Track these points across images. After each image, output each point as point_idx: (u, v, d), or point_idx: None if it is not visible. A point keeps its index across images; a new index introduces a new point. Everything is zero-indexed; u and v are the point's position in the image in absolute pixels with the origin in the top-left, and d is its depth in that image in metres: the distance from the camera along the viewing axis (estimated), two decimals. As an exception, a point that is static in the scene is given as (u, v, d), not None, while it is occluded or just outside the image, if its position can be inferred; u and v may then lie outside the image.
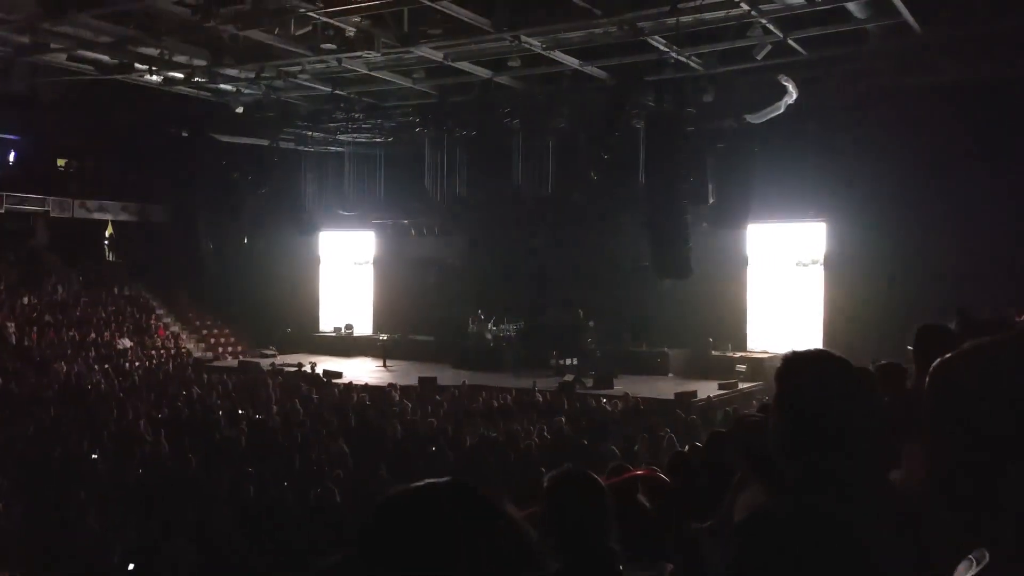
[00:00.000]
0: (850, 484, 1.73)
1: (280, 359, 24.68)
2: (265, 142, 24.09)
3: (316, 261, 29.26)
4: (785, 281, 22.33)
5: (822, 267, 21.76)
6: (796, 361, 1.88)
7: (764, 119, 18.35)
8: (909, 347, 3.80)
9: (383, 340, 25.66)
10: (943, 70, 17.12)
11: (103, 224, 28.83)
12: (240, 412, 14.00)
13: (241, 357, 25.59)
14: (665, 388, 18.92)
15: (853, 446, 1.76)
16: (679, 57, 17.22)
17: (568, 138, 21.65)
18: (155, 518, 7.73)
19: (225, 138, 23.99)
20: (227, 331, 28.35)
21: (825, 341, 20.76)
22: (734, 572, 1.71)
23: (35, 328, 24.03)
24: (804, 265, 22.11)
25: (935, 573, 1.52)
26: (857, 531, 1.65)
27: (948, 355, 1.56)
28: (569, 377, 20.14)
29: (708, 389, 18.74)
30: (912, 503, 1.70)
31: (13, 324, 23.89)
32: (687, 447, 9.96)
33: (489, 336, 23.64)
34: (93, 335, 24.67)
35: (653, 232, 20.05)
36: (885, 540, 1.64)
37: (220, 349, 27.19)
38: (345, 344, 27.20)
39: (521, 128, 21.47)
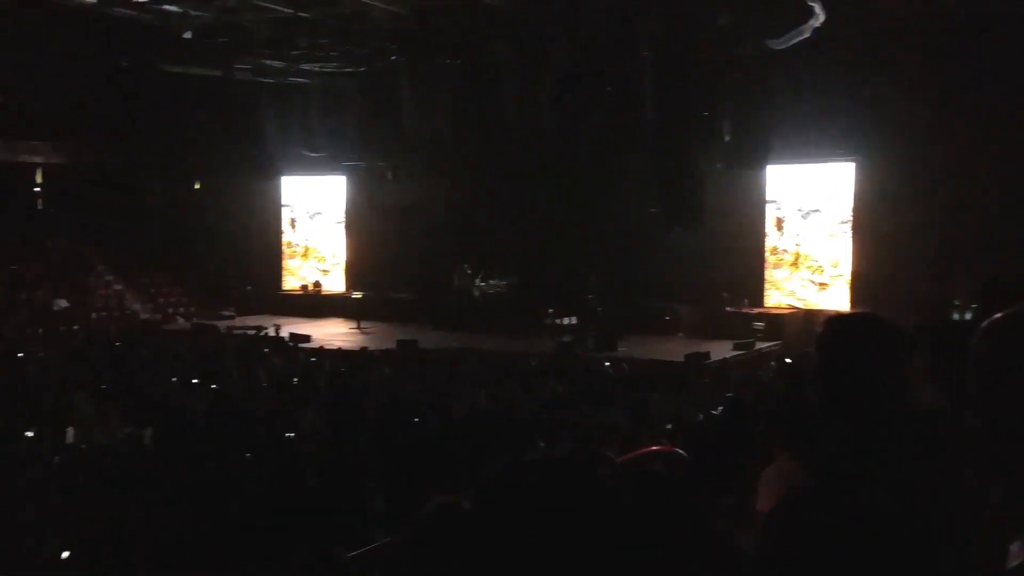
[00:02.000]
0: (891, 462, 1.82)
1: (239, 321, 24.72)
2: (217, 73, 23.76)
3: (279, 209, 29.26)
4: (808, 228, 22.51)
5: (851, 212, 21.83)
6: (838, 326, 2.00)
7: (787, 45, 18.26)
8: (956, 302, 3.85)
9: (357, 298, 25.70)
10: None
11: (32, 167, 28.61)
12: (195, 382, 13.99)
13: (195, 319, 25.56)
14: (675, 350, 19.11)
15: (898, 417, 1.86)
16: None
17: (568, 69, 21.44)
18: (101, 503, 7.75)
19: (171, 68, 23.75)
20: (178, 290, 28.26)
21: (853, 297, 20.99)
22: (768, 559, 1.77)
23: (-44, 288, 24.00)
24: (828, 210, 22.19)
25: (987, 554, 1.57)
26: (897, 518, 1.73)
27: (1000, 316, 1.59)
28: (568, 338, 20.26)
29: (722, 350, 18.96)
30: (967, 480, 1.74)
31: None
32: (701, 416, 10.14)
33: (477, 292, 23.74)
34: (24, 295, 24.57)
35: (661, 174, 20.14)
36: (925, 525, 1.70)
37: (170, 310, 27.11)
38: (313, 304, 27.26)
39: (513, 57, 21.28)
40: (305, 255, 29.21)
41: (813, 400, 2.00)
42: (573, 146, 22.57)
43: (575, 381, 14.33)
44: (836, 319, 2.02)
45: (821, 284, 22.33)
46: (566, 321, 21.73)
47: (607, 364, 16.63)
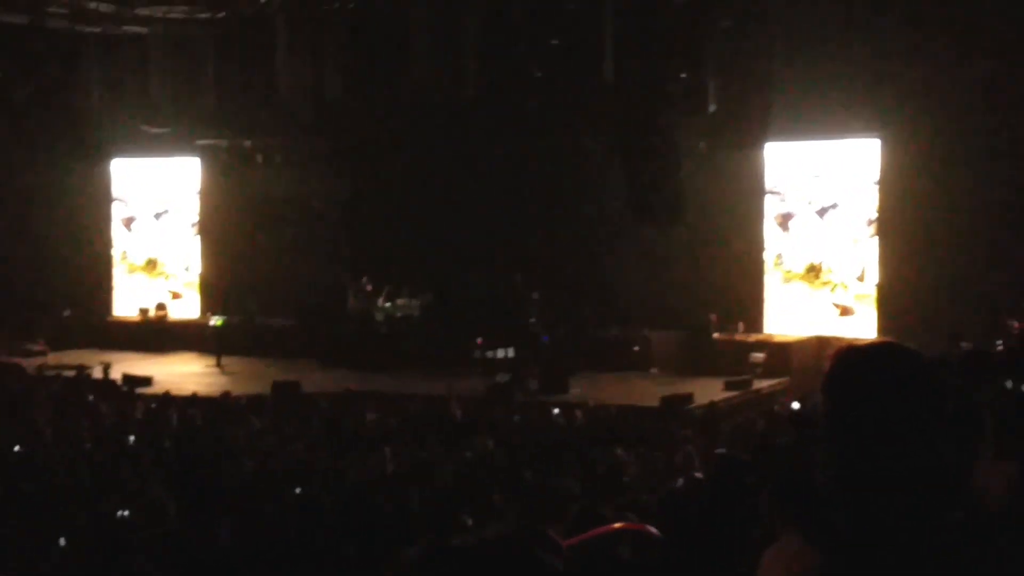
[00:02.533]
0: (920, 536, 1.88)
1: (54, 358, 24.61)
2: (23, 19, 23.45)
3: (108, 205, 28.99)
4: (826, 229, 22.82)
5: (876, 206, 22.20)
6: (853, 360, 2.02)
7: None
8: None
9: (216, 327, 25.57)
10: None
11: None
12: None
13: None
14: (647, 390, 19.30)
15: (925, 479, 1.94)
16: None
17: (498, 15, 21.74)
18: None
19: None
20: None
21: (882, 323, 21.34)
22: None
23: None
24: (851, 204, 22.55)
25: None
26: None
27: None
28: (503, 377, 20.37)
29: (710, 390, 19.13)
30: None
31: None
32: (681, 480, 10.21)
33: (380, 316, 23.79)
34: None
35: (626, 155, 20.25)
36: None
37: None
38: (156, 334, 27.15)
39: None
40: (149, 269, 28.94)
41: (821, 455, 2.02)
42: (506, 119, 22.64)
43: (513, 435, 14.37)
44: (849, 352, 2.05)
45: (844, 308, 22.55)
46: (500, 354, 21.77)
47: (556, 411, 16.68)
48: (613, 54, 19.97)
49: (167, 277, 28.74)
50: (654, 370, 21.72)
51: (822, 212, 22.79)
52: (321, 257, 25.36)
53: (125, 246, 29.21)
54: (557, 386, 19.59)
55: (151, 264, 28.91)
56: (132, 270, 29.12)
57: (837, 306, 22.61)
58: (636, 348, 22.14)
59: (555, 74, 20.74)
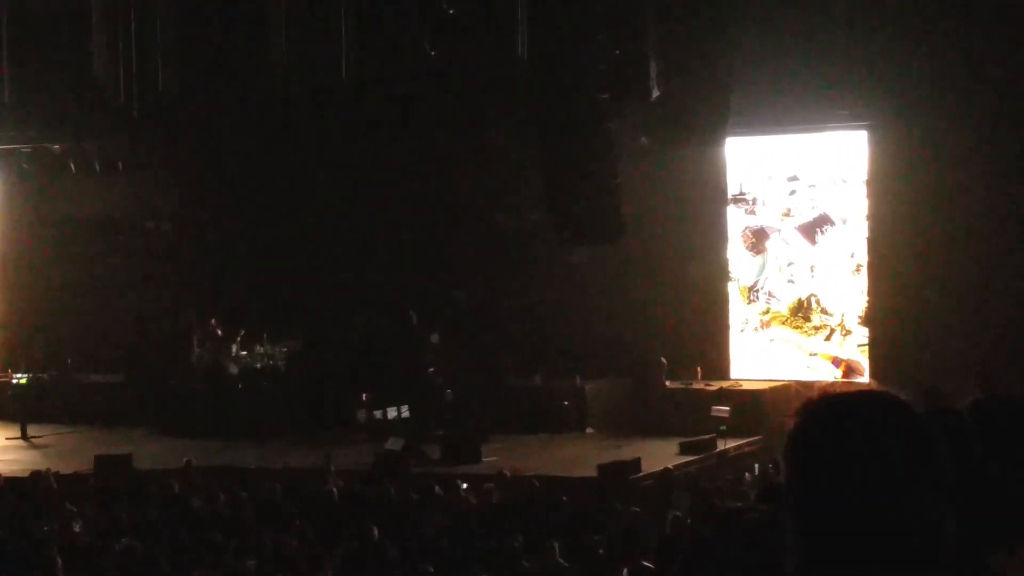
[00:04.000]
0: None
1: None
2: None
3: None
4: (797, 242, 23.00)
5: (865, 212, 22.47)
6: (826, 415, 2.03)
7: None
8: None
9: (19, 386, 25.39)
10: None
11: None
12: None
13: None
14: (581, 455, 19.42)
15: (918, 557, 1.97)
16: None
17: None
18: None
19: None
20: None
21: (873, 354, 21.58)
22: None
23: None
24: (841, 215, 22.75)
25: None
26: None
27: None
28: (395, 443, 20.06)
29: (662, 454, 19.27)
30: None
31: None
32: (625, 570, 10.19)
33: (234, 369, 23.71)
34: None
35: (546, 154, 20.46)
36: None
37: None
38: None
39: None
40: None
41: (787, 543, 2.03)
42: (391, 110, 22.62)
43: (408, 520, 14.32)
44: (821, 404, 2.05)
45: (848, 365, 22.51)
46: (392, 414, 21.75)
47: (463, 486, 16.62)
48: (527, 25, 20.10)
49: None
50: (590, 430, 21.82)
51: (810, 228, 22.93)
52: (155, 292, 25.17)
53: None
54: (465, 454, 19.52)
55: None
56: None
57: (838, 361, 22.65)
58: (566, 403, 22.12)
59: (454, 52, 20.97)
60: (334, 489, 16.45)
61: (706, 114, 21.43)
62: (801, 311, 22.86)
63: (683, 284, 22.73)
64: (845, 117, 22.14)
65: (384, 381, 22.14)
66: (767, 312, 23.16)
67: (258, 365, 23.75)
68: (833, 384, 20.74)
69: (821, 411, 2.01)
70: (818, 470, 1.95)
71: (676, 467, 18.40)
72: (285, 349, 23.78)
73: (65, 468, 19.03)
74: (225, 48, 22.96)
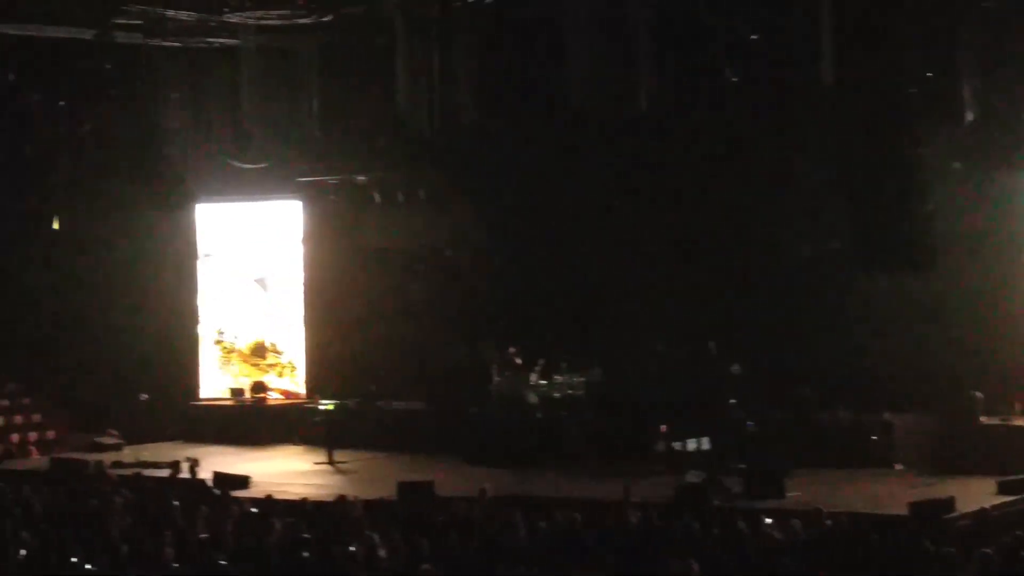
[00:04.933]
0: None
1: (130, 452, 25.13)
2: (89, 34, 24.14)
3: (193, 261, 29.33)
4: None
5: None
6: None
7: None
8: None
9: (326, 412, 25.80)
10: None
11: None
12: (56, 561, 14.01)
13: (56, 452, 25.77)
14: (889, 492, 18.99)
15: None
16: None
17: (677, 7, 21.86)
18: None
19: (11, 29, 24.07)
20: (26, 401, 28.57)
21: None
22: None
23: None
24: None
25: None
26: None
27: None
28: (695, 475, 19.97)
29: (977, 494, 18.38)
30: None
31: None
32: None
33: (533, 398, 23.78)
34: None
35: (852, 179, 19.82)
36: None
37: (16, 437, 27.40)
38: (251, 421, 27.55)
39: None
40: (256, 357, 29.13)
41: None
42: (690, 138, 22.66)
43: (710, 552, 13.89)
44: None
45: None
46: (691, 446, 21.58)
47: (768, 521, 15.99)
48: (833, 49, 19.65)
49: (279, 367, 29.10)
50: (899, 466, 21.19)
51: None
52: (457, 322, 25.57)
53: (216, 318, 29.48)
54: (769, 488, 19.00)
55: (258, 351, 29.15)
56: (228, 358, 29.36)
57: None
58: (874, 438, 21.62)
59: (755, 78, 20.80)
60: (631, 520, 16.18)
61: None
62: None
63: (1000, 309, 21.76)
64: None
65: (683, 412, 21.91)
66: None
67: (557, 395, 23.81)
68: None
69: None
70: None
71: (994, 507, 17.42)
72: (584, 379, 23.74)
73: (369, 493, 19.49)
74: (524, 80, 23.20)
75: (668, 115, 22.10)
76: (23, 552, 14.34)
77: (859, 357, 22.09)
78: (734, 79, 20.31)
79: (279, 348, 28.89)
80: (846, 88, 19.60)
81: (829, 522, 15.66)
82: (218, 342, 29.23)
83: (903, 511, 16.82)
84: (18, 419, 27.81)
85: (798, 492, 18.91)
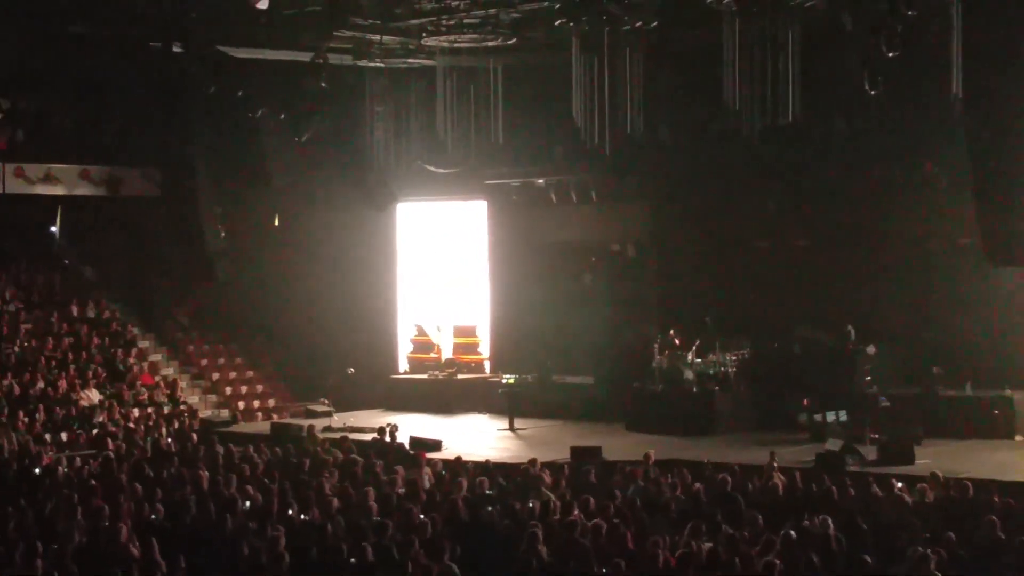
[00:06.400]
0: None
1: (338, 418, 25.83)
2: (305, 56, 24.53)
3: (393, 253, 29.96)
4: None
5: None
6: None
7: None
8: None
9: (508, 384, 26.15)
10: None
11: (52, 202, 29.85)
12: (276, 511, 14.43)
13: (276, 417, 26.66)
14: (1011, 461, 18.82)
15: None
16: None
17: (821, 28, 21.53)
18: None
19: (240, 53, 24.63)
20: (251, 374, 29.49)
21: None
22: None
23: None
24: None
25: None
26: None
27: None
28: (834, 443, 19.91)
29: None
30: None
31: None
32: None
33: (690, 375, 23.81)
34: (41, 385, 25.55)
35: (980, 183, 19.61)
36: None
37: (241, 404, 28.32)
38: (443, 393, 27.95)
39: (738, 13, 21.27)
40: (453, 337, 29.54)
41: None
42: (832, 146, 22.49)
43: (844, 515, 13.87)
44: None
45: None
46: (831, 417, 21.39)
47: (899, 485, 16.14)
48: (962, 64, 19.24)
49: (469, 345, 29.28)
50: (1019, 438, 21.02)
51: None
52: (622, 307, 25.65)
53: (413, 302, 29.98)
54: (900, 456, 19.02)
55: (454, 332, 29.41)
56: (424, 338, 29.66)
57: None
58: (996, 412, 21.35)
59: (893, 91, 20.06)
60: (778, 483, 16.28)
61: None
62: None
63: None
64: None
65: (823, 388, 21.87)
66: None
67: (711, 371, 23.82)
68: None
69: None
70: None
71: None
72: (735, 358, 23.80)
73: (546, 456, 19.57)
74: (684, 94, 23.09)
75: (813, 126, 21.77)
76: (247, 503, 14.87)
77: (983, 339, 21.90)
78: (873, 92, 20.22)
79: (468, 329, 29.22)
80: (974, 99, 19.31)
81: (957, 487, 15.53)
82: (416, 325, 29.69)
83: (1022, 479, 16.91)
84: (244, 389, 28.77)
85: (927, 460, 18.90)
